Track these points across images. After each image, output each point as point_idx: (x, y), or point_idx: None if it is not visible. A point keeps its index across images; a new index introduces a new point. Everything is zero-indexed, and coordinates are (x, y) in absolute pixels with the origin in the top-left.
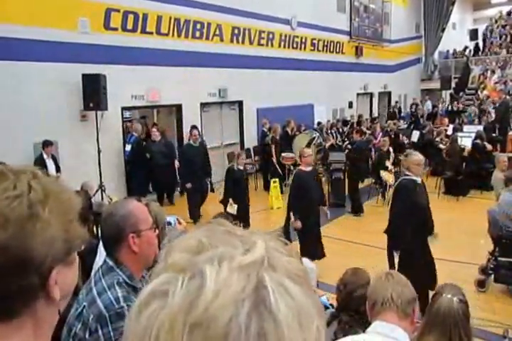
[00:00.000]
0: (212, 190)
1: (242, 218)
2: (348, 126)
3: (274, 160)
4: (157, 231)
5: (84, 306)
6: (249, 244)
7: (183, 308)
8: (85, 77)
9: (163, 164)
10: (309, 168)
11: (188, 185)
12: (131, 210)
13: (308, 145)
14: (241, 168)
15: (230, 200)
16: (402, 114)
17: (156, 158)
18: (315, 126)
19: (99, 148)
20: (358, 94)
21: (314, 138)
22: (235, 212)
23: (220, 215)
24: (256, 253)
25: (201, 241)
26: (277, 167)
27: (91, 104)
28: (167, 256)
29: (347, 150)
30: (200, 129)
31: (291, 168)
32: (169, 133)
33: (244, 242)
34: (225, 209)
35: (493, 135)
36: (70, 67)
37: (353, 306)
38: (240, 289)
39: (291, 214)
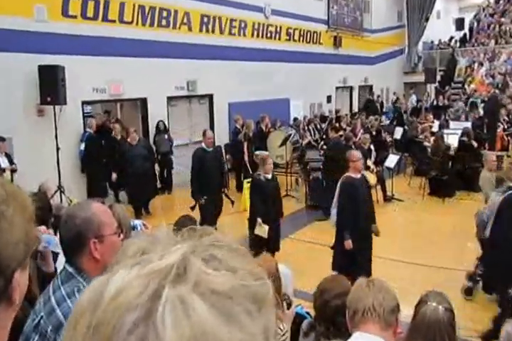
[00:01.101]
0: (232, 202)
1: (273, 242)
2: (327, 123)
3: (246, 158)
4: (121, 236)
5: (42, 316)
6: (172, 249)
7: (88, 309)
8: (42, 69)
9: (143, 170)
10: (359, 175)
11: (203, 201)
12: (94, 213)
13: (284, 142)
14: (269, 176)
15: (259, 220)
16: (384, 109)
17: (137, 164)
18: (291, 122)
19: (57, 146)
20: (337, 88)
21: (290, 135)
22: (265, 235)
23: (184, 218)
24: (167, 260)
25: (140, 246)
26: (248, 166)
27: (48, 98)
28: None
29: (323, 150)
30: (166, 125)
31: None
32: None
33: (169, 247)
34: (253, 230)
35: (481, 132)
36: (26, 58)
37: (329, 316)
38: (136, 295)
39: (340, 231)
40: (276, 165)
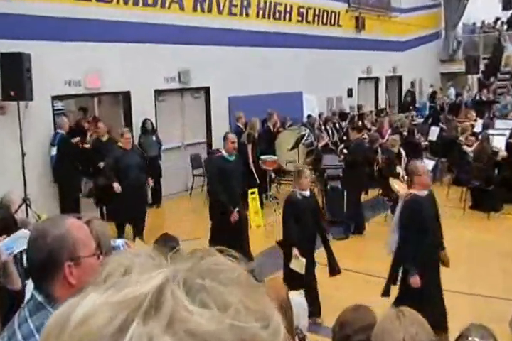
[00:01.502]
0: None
1: (308, 281)
2: (347, 121)
3: (251, 164)
4: (101, 257)
5: None
6: (153, 273)
7: (54, 332)
8: (3, 57)
9: (139, 183)
10: (425, 192)
11: (234, 217)
12: (68, 230)
13: (296, 145)
14: (306, 193)
15: (295, 251)
16: (417, 105)
17: (132, 175)
18: (304, 120)
19: (22, 151)
20: (359, 80)
21: (303, 136)
22: (302, 271)
23: (165, 237)
24: (143, 287)
25: (120, 265)
26: (254, 173)
27: (11, 93)
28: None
29: (343, 154)
30: (154, 124)
31: (273, 174)
32: (114, 131)
33: (151, 271)
34: (287, 262)
35: None
36: None
37: None
38: (102, 325)
39: (404, 264)
40: (285, 173)
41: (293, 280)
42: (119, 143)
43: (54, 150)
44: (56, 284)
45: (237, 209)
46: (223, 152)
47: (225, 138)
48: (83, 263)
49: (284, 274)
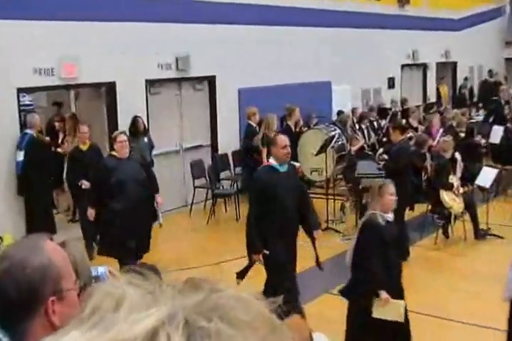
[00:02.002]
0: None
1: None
2: (388, 119)
3: None
4: (77, 288)
5: None
6: (149, 311)
7: None
8: None
9: (139, 200)
10: None
11: (280, 257)
12: (51, 259)
13: (324, 149)
14: (390, 217)
15: (383, 294)
16: (476, 99)
17: (128, 190)
18: (334, 117)
19: None
20: (403, 67)
21: (333, 137)
22: (400, 318)
23: (144, 266)
24: (133, 329)
25: (109, 297)
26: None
27: None
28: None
29: (382, 160)
30: (145, 123)
31: None
32: (96, 132)
33: (146, 307)
34: (367, 307)
35: None
36: None
37: None
38: None
39: None
40: (310, 184)
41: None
42: (114, 151)
43: (21, 155)
44: (34, 325)
45: (266, 251)
46: (272, 161)
47: (275, 141)
48: (66, 297)
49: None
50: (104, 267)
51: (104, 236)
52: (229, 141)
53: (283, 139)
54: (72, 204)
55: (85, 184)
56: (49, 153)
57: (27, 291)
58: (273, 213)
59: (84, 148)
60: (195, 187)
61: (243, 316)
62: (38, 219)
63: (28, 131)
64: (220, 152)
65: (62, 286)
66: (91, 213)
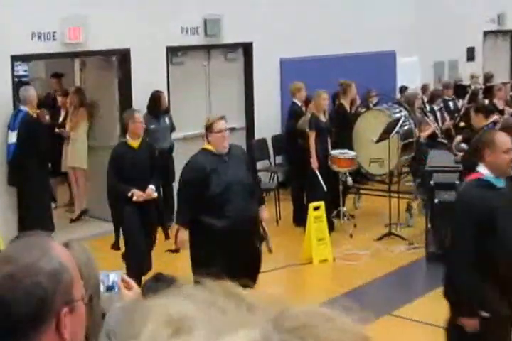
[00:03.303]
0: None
1: None
2: (467, 99)
3: (315, 163)
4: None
5: None
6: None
7: None
8: None
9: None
10: None
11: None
12: (63, 264)
13: (386, 135)
14: None
15: None
16: None
17: (236, 203)
18: (399, 95)
19: None
20: (485, 34)
21: (398, 121)
22: None
23: (158, 278)
24: None
25: (167, 319)
26: (320, 177)
27: None
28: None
29: (460, 151)
30: (166, 99)
31: (349, 180)
32: (105, 110)
33: (223, 333)
34: None
35: None
36: None
37: None
38: None
39: None
40: (368, 178)
41: None
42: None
43: (13, 137)
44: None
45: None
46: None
47: None
48: (76, 309)
49: None
50: (115, 273)
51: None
52: (268, 124)
53: (506, 140)
54: (78, 198)
55: (138, 194)
56: (46, 134)
57: (38, 302)
58: (494, 253)
59: (135, 144)
60: None
61: (336, 335)
62: (34, 215)
63: (22, 107)
64: (256, 137)
65: (73, 296)
66: (181, 238)
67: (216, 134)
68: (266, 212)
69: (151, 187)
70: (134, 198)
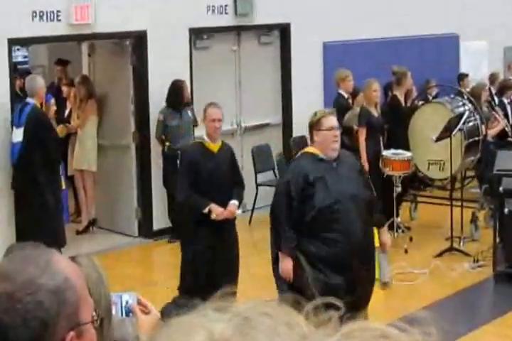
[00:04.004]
0: None
1: None
2: None
3: (365, 164)
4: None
5: None
6: None
7: None
8: None
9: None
10: None
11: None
12: (68, 280)
13: (448, 132)
14: None
15: None
16: None
17: (351, 219)
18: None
19: None
20: None
21: (461, 116)
22: None
23: (177, 300)
24: None
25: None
26: (369, 181)
27: None
28: None
29: None
30: (189, 90)
31: (398, 184)
32: (117, 103)
33: None
34: None
35: None
36: None
37: None
38: None
39: None
40: (426, 184)
41: None
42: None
43: (19, 135)
44: None
45: None
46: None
47: None
48: (85, 333)
49: None
50: (129, 294)
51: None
52: (308, 119)
53: None
54: (85, 206)
55: (218, 211)
56: (56, 132)
57: (39, 325)
58: None
59: (214, 148)
60: (257, 185)
61: None
62: (41, 227)
63: (29, 100)
64: (294, 134)
65: (80, 318)
66: (287, 268)
67: (325, 132)
68: (387, 237)
69: (234, 202)
70: (213, 216)
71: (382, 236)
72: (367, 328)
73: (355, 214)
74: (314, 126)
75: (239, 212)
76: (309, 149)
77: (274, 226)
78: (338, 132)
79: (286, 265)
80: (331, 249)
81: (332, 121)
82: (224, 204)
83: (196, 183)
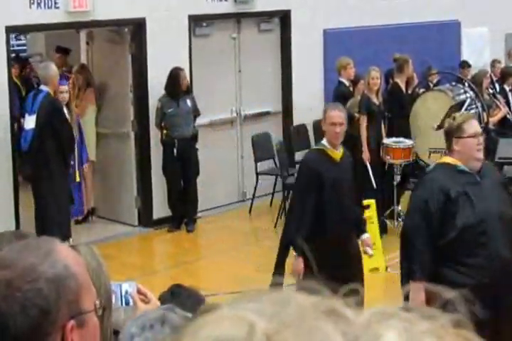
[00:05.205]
0: None
1: None
2: None
3: (366, 154)
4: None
5: None
6: None
7: None
8: None
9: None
10: None
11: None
12: (68, 268)
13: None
14: None
15: None
16: None
17: (496, 243)
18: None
19: None
20: None
21: (463, 103)
22: None
23: (174, 289)
24: None
25: (254, 328)
26: (370, 171)
27: None
28: None
29: None
30: (187, 78)
31: (398, 171)
32: (116, 91)
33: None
34: None
35: None
36: None
37: None
38: None
39: None
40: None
41: None
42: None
43: (31, 122)
44: None
45: None
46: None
47: None
48: (86, 322)
49: None
50: (129, 283)
51: None
52: (309, 107)
53: None
54: (84, 195)
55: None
56: (68, 121)
57: (38, 313)
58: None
59: (337, 155)
60: (257, 174)
61: None
62: (49, 217)
63: (42, 87)
64: (295, 122)
65: (81, 306)
66: (418, 298)
67: (468, 140)
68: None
69: (367, 236)
70: None
71: None
72: None
73: (503, 236)
74: (454, 132)
75: (370, 252)
76: (447, 159)
77: (406, 250)
78: (482, 139)
79: (419, 297)
80: (471, 277)
81: (475, 126)
82: (345, 219)
83: (319, 195)
